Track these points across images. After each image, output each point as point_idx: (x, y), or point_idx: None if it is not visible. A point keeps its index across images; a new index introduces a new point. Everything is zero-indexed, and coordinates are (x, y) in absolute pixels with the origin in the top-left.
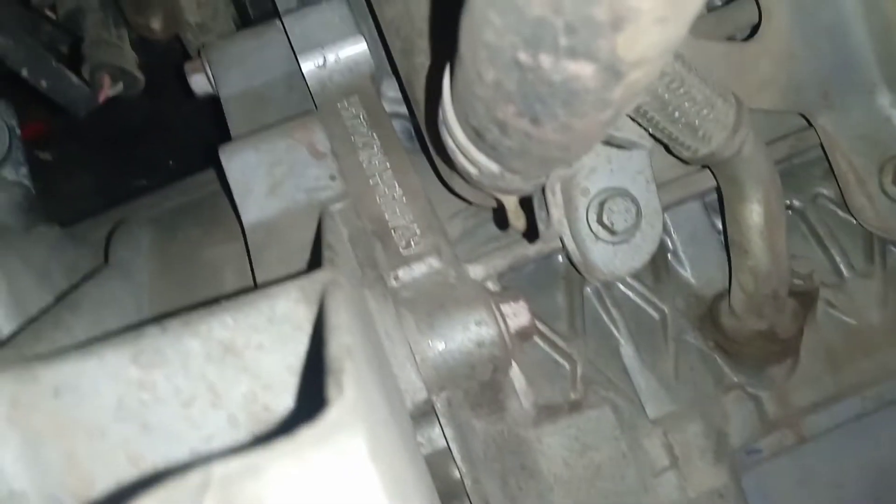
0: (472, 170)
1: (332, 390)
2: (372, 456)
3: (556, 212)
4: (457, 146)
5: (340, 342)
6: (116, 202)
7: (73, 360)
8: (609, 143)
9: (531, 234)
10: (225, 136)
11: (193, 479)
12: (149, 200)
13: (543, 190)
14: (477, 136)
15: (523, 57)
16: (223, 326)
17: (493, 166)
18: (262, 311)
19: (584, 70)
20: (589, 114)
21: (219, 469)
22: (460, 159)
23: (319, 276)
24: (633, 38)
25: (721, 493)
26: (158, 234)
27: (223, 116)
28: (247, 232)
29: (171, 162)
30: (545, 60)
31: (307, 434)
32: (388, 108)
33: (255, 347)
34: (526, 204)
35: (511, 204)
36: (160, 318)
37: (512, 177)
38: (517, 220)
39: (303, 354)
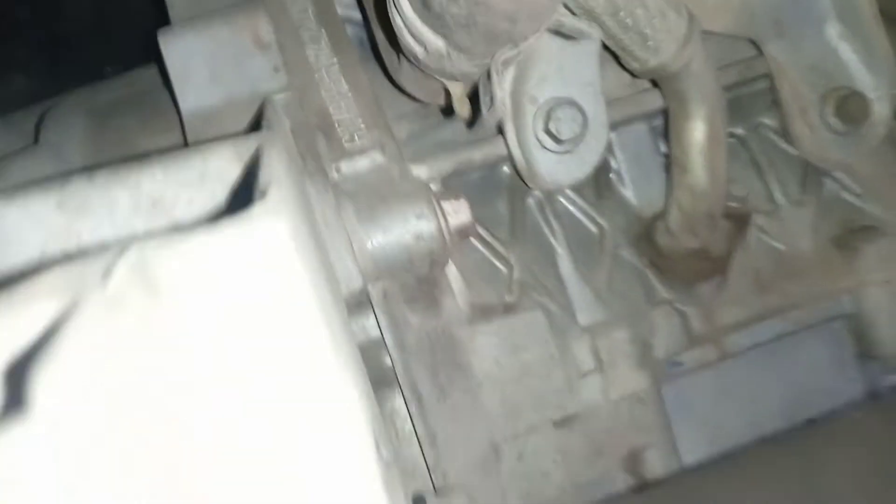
0: (418, 49)
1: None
2: (295, 242)
3: (500, 93)
4: (404, 22)
5: (268, 176)
6: None
7: None
8: (558, 32)
9: (475, 122)
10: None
11: (108, 253)
12: (85, 92)
13: (489, 74)
14: (424, 7)
15: None
16: (153, 180)
17: (440, 43)
18: (194, 167)
19: None
20: None
21: (136, 245)
22: (407, 38)
23: (255, 137)
24: None
25: (641, 397)
26: (93, 122)
27: (167, 14)
28: (184, 119)
29: (108, 68)
30: None
31: (228, 222)
32: (340, 11)
33: (185, 203)
34: (471, 96)
35: (457, 90)
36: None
37: (458, 55)
38: (462, 107)
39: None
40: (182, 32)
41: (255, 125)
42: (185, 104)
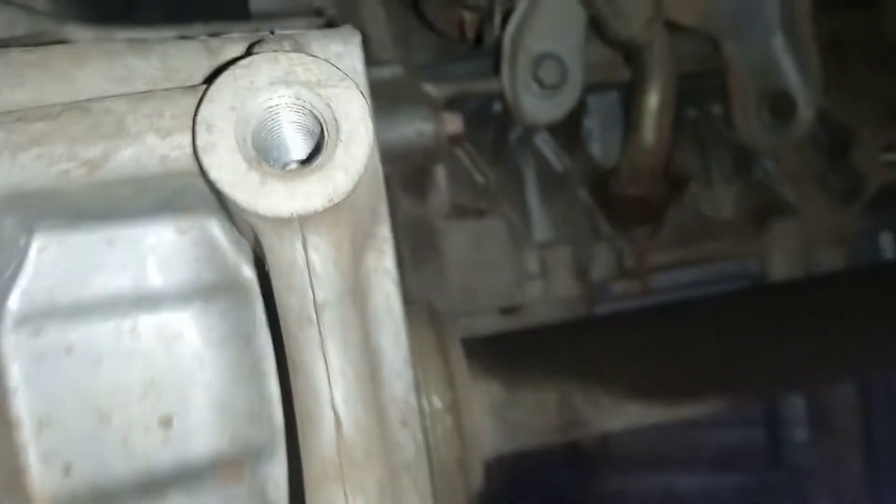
0: None
1: None
2: None
3: (497, 18)
4: None
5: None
6: None
7: None
8: None
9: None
10: None
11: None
12: None
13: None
14: None
15: None
16: None
17: None
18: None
19: None
20: None
21: None
22: None
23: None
24: None
25: (573, 304)
26: None
27: None
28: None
29: None
30: None
31: None
32: None
33: None
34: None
35: (469, 18)
36: None
37: None
38: (471, 31)
39: None
40: None
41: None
42: (254, 5)
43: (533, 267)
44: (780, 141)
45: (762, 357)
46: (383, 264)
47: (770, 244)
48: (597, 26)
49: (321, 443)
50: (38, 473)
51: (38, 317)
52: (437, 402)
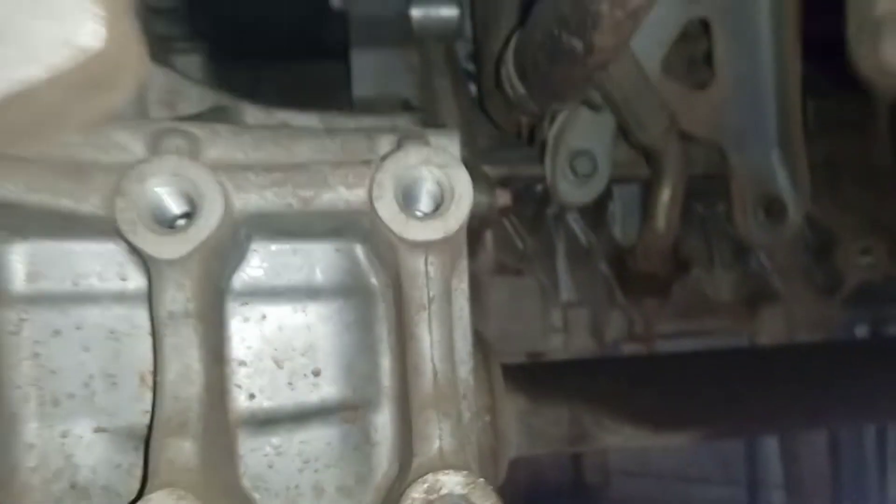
0: (511, 92)
1: None
2: None
3: (546, 122)
4: (507, 76)
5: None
6: None
7: None
8: (589, 104)
9: (531, 141)
10: None
11: None
12: None
13: (543, 118)
14: (522, 71)
15: (555, 31)
16: None
17: (523, 90)
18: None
19: (577, 45)
20: (573, 67)
21: None
22: (506, 85)
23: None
24: (604, 33)
25: (588, 354)
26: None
27: None
28: (355, 102)
29: None
30: (563, 35)
31: None
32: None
33: None
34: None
35: (525, 121)
36: None
37: (530, 101)
38: (525, 130)
39: None
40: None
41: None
42: (356, 91)
43: (557, 322)
44: (772, 238)
45: (737, 400)
46: (461, 285)
47: (759, 326)
48: (623, 132)
49: (424, 384)
50: (234, 398)
51: (247, 294)
52: (480, 402)
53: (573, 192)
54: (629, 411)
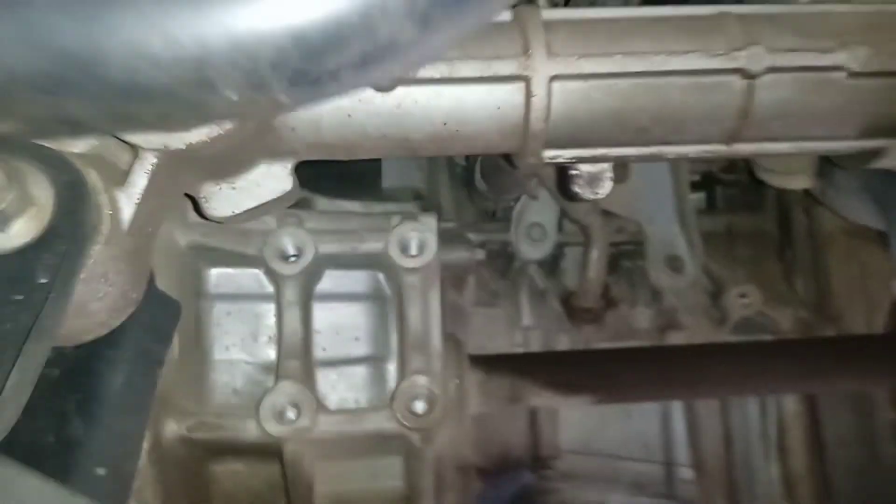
0: (479, 186)
1: None
2: None
3: (514, 205)
4: (477, 178)
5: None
6: None
7: None
8: (529, 194)
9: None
10: None
11: None
12: None
13: (505, 204)
14: (483, 174)
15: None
16: None
17: (485, 186)
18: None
19: (504, 164)
20: (509, 175)
21: None
22: (477, 183)
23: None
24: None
25: None
26: None
27: None
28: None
29: None
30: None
31: None
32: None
33: None
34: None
35: (500, 206)
36: None
37: (490, 194)
38: (500, 211)
39: None
40: None
41: None
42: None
43: (519, 340)
44: (676, 284)
45: (623, 374)
46: (435, 293)
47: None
48: (562, 211)
49: (414, 345)
50: (315, 350)
51: (322, 296)
52: (451, 373)
53: (530, 251)
54: (549, 381)
